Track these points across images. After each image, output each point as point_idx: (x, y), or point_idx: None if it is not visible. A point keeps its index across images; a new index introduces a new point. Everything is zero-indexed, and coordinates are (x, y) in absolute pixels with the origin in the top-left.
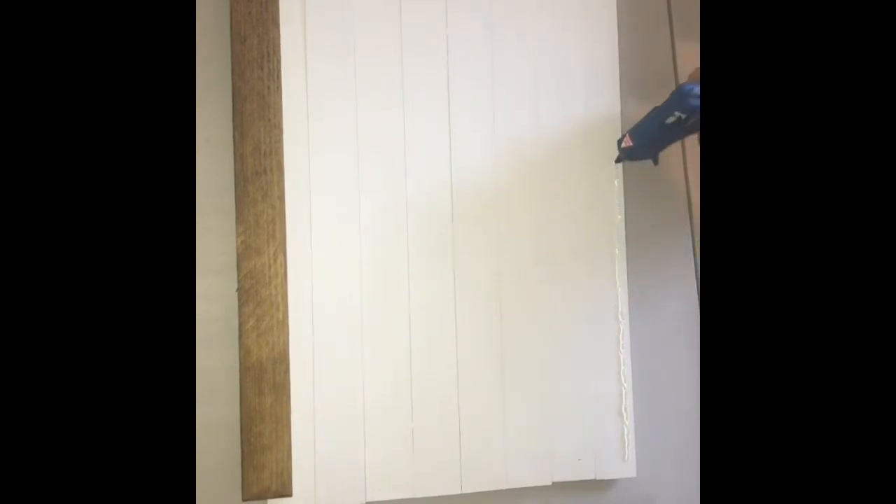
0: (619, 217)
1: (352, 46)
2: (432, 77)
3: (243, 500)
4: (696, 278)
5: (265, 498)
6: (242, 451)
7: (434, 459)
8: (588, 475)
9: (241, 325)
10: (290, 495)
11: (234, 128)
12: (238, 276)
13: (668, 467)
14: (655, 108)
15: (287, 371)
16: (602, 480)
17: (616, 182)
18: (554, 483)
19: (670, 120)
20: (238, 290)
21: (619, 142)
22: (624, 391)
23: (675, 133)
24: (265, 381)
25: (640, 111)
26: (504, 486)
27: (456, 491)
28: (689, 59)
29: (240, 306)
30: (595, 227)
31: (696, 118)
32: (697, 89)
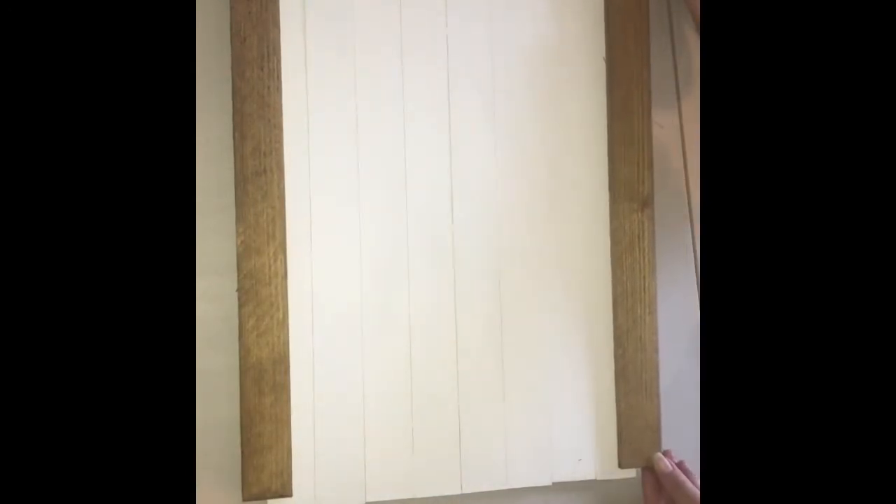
0: None
1: (352, 46)
2: (433, 77)
3: (243, 500)
4: (697, 278)
5: (265, 498)
6: (242, 451)
7: (434, 459)
8: (588, 475)
9: (241, 325)
10: (290, 495)
11: (234, 128)
12: (238, 276)
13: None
14: None
15: (287, 371)
16: (602, 480)
17: None
18: (554, 483)
19: None
20: (238, 290)
21: None
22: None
23: None
24: (265, 381)
25: None
26: (504, 486)
27: (456, 491)
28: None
29: (240, 306)
30: (596, 227)
31: None
32: None
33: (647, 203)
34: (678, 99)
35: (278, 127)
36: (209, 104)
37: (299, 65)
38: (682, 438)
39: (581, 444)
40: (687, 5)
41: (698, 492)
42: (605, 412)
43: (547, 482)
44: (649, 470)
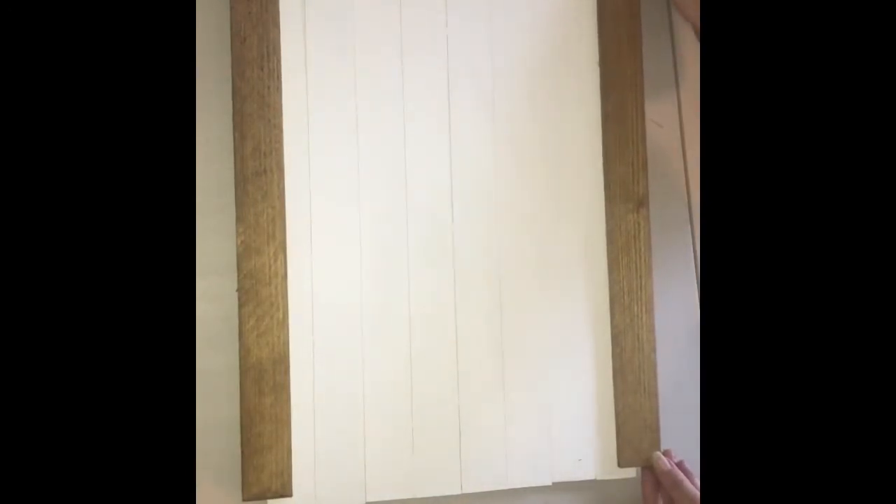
0: None
1: (352, 46)
2: (433, 77)
3: (243, 500)
4: (696, 278)
5: (265, 498)
6: (242, 451)
7: (434, 459)
8: (588, 475)
9: (241, 325)
10: (290, 495)
11: (234, 128)
12: (238, 276)
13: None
14: None
15: (287, 371)
16: (602, 480)
17: None
18: (554, 483)
19: None
20: (238, 290)
21: None
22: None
23: None
24: (265, 381)
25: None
26: (504, 486)
27: (456, 491)
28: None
29: (240, 306)
30: (595, 227)
31: None
32: None
33: (642, 203)
34: (678, 98)
35: (278, 127)
36: (209, 104)
37: (299, 65)
38: (680, 437)
39: (581, 444)
40: (683, 15)
41: (697, 491)
42: (605, 412)
43: (547, 482)
44: (649, 469)
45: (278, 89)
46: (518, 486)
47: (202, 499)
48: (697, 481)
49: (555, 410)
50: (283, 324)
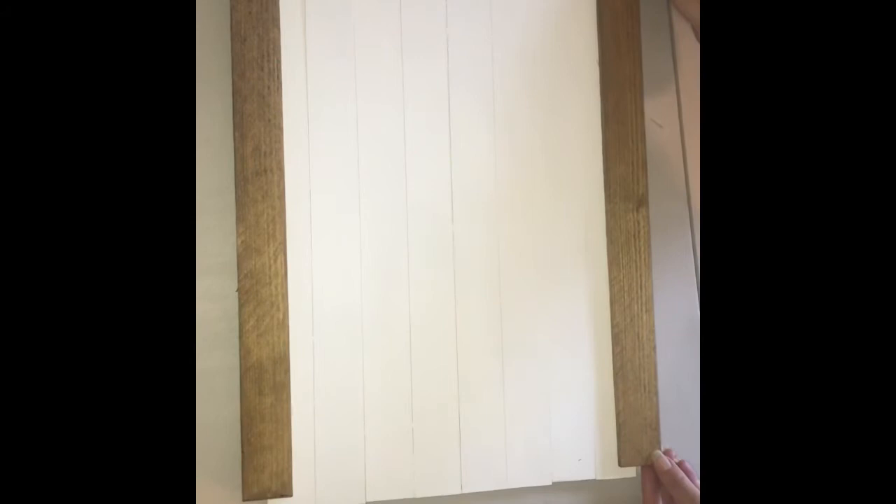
0: None
1: (352, 46)
2: (433, 77)
3: (243, 500)
4: (696, 277)
5: (265, 498)
6: (242, 452)
7: (434, 459)
8: (588, 475)
9: (241, 325)
10: (290, 495)
11: (234, 128)
12: (238, 276)
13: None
14: None
15: (287, 371)
16: (602, 480)
17: None
18: (554, 483)
19: None
20: (238, 290)
21: None
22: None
23: None
24: (265, 381)
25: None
26: (504, 486)
27: (456, 491)
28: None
29: (240, 306)
30: (594, 226)
31: None
32: None
33: (642, 202)
34: (678, 97)
35: (278, 127)
36: (209, 104)
37: (299, 65)
38: (680, 436)
39: (581, 444)
40: (683, 14)
41: (697, 490)
42: (605, 411)
43: (547, 482)
44: (649, 468)
45: (278, 89)
46: (518, 486)
47: (202, 499)
48: (698, 480)
49: (555, 410)
50: (283, 324)
